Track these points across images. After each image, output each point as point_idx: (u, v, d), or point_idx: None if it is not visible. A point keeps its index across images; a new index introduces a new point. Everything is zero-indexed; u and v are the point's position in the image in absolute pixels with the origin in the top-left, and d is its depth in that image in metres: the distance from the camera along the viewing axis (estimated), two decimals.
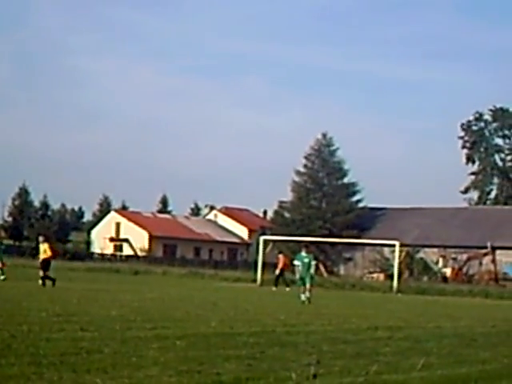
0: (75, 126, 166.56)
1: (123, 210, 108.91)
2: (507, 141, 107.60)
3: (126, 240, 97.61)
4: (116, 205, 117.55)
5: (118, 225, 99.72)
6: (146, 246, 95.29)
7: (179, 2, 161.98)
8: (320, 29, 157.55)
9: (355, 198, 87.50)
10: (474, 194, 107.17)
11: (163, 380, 8.63)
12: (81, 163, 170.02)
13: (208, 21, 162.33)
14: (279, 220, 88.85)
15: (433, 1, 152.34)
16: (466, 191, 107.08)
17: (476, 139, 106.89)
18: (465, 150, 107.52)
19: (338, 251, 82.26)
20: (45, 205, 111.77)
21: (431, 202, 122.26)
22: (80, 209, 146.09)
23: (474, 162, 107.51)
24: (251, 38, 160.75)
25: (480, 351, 13.19)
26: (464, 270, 72.74)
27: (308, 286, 26.01)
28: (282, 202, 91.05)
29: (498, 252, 71.18)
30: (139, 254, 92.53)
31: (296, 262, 26.71)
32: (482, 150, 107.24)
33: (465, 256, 73.96)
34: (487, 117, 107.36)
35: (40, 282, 27.10)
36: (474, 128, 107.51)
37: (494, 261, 69.74)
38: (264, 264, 48.29)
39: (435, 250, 78.08)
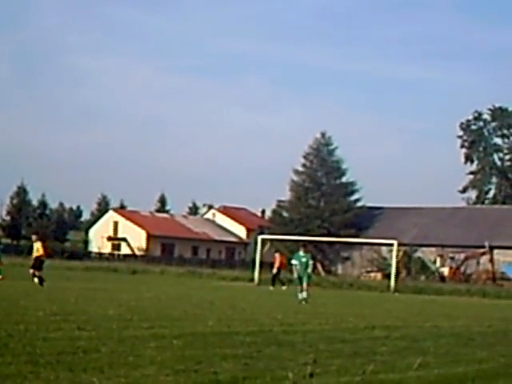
0: (74, 125, 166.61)
1: (121, 209, 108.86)
2: (506, 140, 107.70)
3: (124, 239, 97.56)
4: (114, 204, 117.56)
5: (115, 224, 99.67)
6: (144, 245, 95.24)
7: (179, 1, 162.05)
8: (320, 29, 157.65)
9: (353, 198, 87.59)
10: (473, 194, 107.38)
11: (160, 379, 8.63)
12: (79, 162, 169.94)
13: (208, 20, 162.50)
14: (277, 219, 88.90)
15: (432, 1, 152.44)
16: (464, 191, 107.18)
17: (475, 138, 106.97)
18: (463, 150, 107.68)
19: (336, 250, 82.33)
20: (43, 204, 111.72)
21: (429, 201, 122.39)
22: (78, 208, 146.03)
23: (472, 162, 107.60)
24: (251, 37, 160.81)
25: (477, 350, 13.21)
26: (462, 269, 72.85)
27: (305, 285, 26.02)
28: (280, 202, 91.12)
29: (495, 251, 71.27)
30: (137, 253, 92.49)
31: (294, 262, 26.72)
32: (480, 149, 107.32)
33: (462, 255, 74.06)
34: (486, 116, 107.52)
35: (36, 280, 27.06)
36: (473, 127, 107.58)
37: (491, 260, 69.83)
38: (262, 263, 48.33)
39: (433, 249, 78.14)
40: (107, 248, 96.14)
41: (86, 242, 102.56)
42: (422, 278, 70.01)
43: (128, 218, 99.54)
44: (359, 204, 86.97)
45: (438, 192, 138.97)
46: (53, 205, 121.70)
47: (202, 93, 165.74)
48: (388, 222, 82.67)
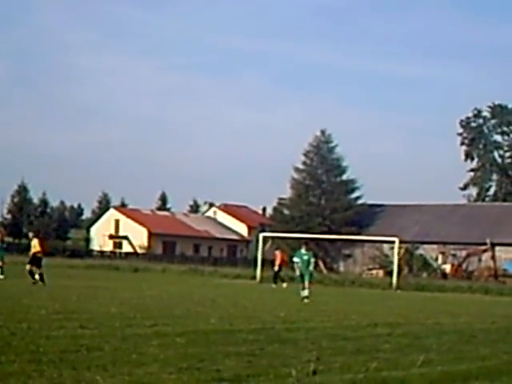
0: (74, 124, 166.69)
1: (122, 208, 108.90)
2: (506, 137, 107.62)
3: (126, 237, 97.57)
4: (115, 202, 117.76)
5: (117, 222, 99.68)
6: (146, 243, 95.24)
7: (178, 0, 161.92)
8: (320, 26, 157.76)
9: (354, 195, 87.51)
10: (473, 191, 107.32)
11: (163, 377, 8.63)
12: (80, 160, 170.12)
13: (207, 18, 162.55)
14: (278, 217, 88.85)
15: None
16: (464, 188, 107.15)
17: (475, 136, 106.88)
18: (464, 147, 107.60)
19: (338, 248, 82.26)
20: (44, 202, 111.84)
21: (430, 198, 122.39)
22: (79, 206, 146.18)
23: (472, 159, 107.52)
24: (251, 35, 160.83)
25: (480, 347, 13.21)
26: (463, 266, 72.79)
27: (306, 283, 26.00)
28: (281, 199, 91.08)
29: (497, 248, 71.20)
30: (138, 251, 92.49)
31: (295, 259, 26.71)
32: (480, 146, 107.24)
33: (464, 252, 73.99)
34: (486, 113, 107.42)
35: (37, 277, 27.07)
36: (473, 125, 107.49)
37: (493, 257, 69.79)
38: (263, 261, 48.29)
39: (434, 246, 78.08)
40: (109, 246, 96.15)
41: (88, 240, 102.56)
42: (424, 275, 69.99)
43: (129, 216, 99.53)
44: (360, 201, 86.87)
45: (439, 189, 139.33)
46: (54, 203, 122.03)
47: (202, 90, 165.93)
48: (389, 220, 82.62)
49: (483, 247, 71.35)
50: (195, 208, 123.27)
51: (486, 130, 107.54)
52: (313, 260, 26.77)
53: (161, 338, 12.08)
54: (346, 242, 76.36)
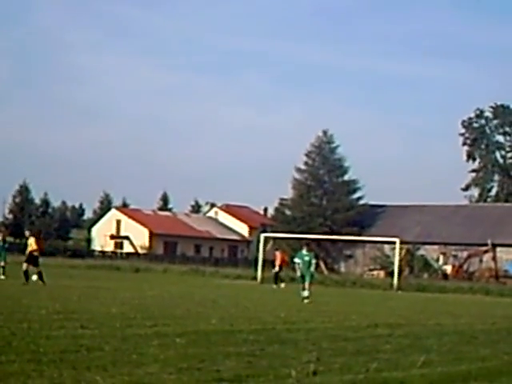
0: (75, 123, 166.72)
1: (124, 208, 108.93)
2: (508, 138, 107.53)
3: (127, 237, 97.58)
4: (116, 202, 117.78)
5: (118, 222, 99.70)
6: (147, 244, 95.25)
7: None
8: (320, 26, 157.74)
9: (356, 196, 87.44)
10: (475, 191, 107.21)
11: (163, 377, 8.63)
12: (81, 161, 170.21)
13: (207, 18, 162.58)
14: (280, 217, 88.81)
15: None
16: (466, 188, 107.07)
17: (477, 136, 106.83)
18: (465, 147, 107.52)
19: (339, 248, 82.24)
20: (45, 202, 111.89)
21: (432, 199, 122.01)
22: (80, 206, 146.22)
23: (474, 159, 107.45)
24: (251, 35, 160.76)
25: (480, 348, 13.20)
26: (464, 267, 72.72)
27: (307, 284, 25.99)
28: (282, 200, 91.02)
29: (498, 249, 71.15)
30: (140, 251, 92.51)
31: (296, 260, 26.71)
32: (482, 147, 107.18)
33: (465, 253, 73.93)
34: (488, 114, 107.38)
35: (35, 277, 27.07)
36: (475, 125, 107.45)
37: (494, 258, 69.75)
38: (264, 261, 48.29)
39: (436, 247, 78.02)
40: (110, 246, 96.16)
41: (89, 241, 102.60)
42: (425, 275, 69.94)
43: (130, 217, 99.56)
44: (362, 202, 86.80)
45: (441, 190, 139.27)
46: (55, 203, 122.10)
47: (203, 90, 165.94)
48: (390, 220, 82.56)
49: (484, 248, 71.31)
50: (197, 208, 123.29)
51: (488, 131, 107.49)
52: (314, 261, 26.76)
53: (161, 338, 12.08)
54: (347, 243, 76.33)
